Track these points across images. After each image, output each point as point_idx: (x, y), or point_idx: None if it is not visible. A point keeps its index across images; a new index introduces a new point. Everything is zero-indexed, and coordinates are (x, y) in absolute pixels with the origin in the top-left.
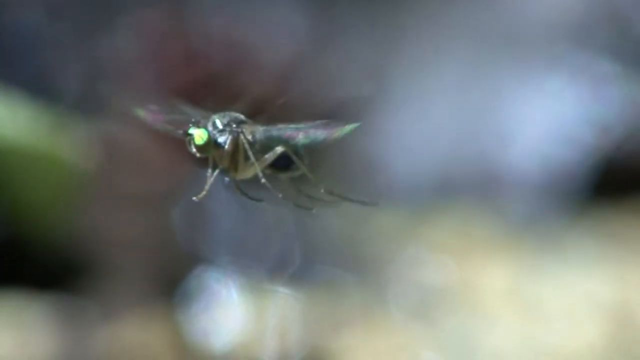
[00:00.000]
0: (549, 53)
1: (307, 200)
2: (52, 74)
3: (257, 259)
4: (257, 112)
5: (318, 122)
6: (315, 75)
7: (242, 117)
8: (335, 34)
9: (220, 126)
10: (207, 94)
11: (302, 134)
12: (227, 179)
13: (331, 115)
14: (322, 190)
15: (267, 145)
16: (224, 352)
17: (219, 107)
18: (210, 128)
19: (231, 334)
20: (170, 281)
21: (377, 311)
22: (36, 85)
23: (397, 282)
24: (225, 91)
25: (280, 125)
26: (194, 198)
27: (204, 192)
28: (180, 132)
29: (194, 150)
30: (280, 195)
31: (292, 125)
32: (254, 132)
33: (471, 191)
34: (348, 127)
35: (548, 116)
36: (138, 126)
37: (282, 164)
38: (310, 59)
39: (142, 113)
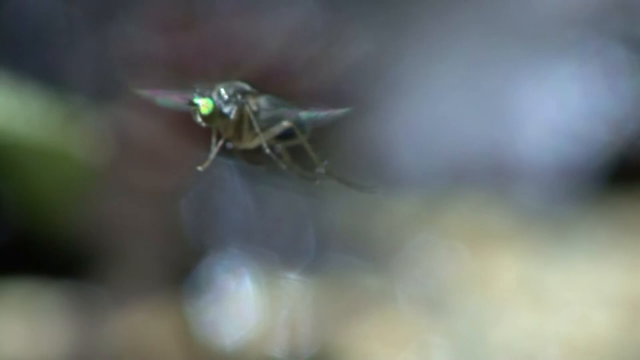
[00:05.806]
0: (560, 42)
1: (304, 174)
2: (63, 66)
3: (268, 247)
4: (259, 86)
5: (316, 105)
6: (320, 61)
7: (247, 87)
8: (343, 22)
9: (225, 96)
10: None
11: (304, 110)
12: (230, 145)
13: (333, 100)
14: (321, 170)
15: (270, 117)
16: (234, 340)
17: (221, 79)
18: (215, 97)
19: (241, 322)
20: (180, 270)
21: (388, 299)
22: (47, 77)
23: (409, 270)
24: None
25: (283, 101)
26: (199, 167)
27: (208, 162)
28: (185, 102)
29: (199, 119)
30: (284, 167)
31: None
32: (259, 102)
33: (483, 179)
34: (342, 112)
35: (560, 104)
36: (149, 117)
37: (286, 134)
38: (317, 46)
39: (144, 93)
